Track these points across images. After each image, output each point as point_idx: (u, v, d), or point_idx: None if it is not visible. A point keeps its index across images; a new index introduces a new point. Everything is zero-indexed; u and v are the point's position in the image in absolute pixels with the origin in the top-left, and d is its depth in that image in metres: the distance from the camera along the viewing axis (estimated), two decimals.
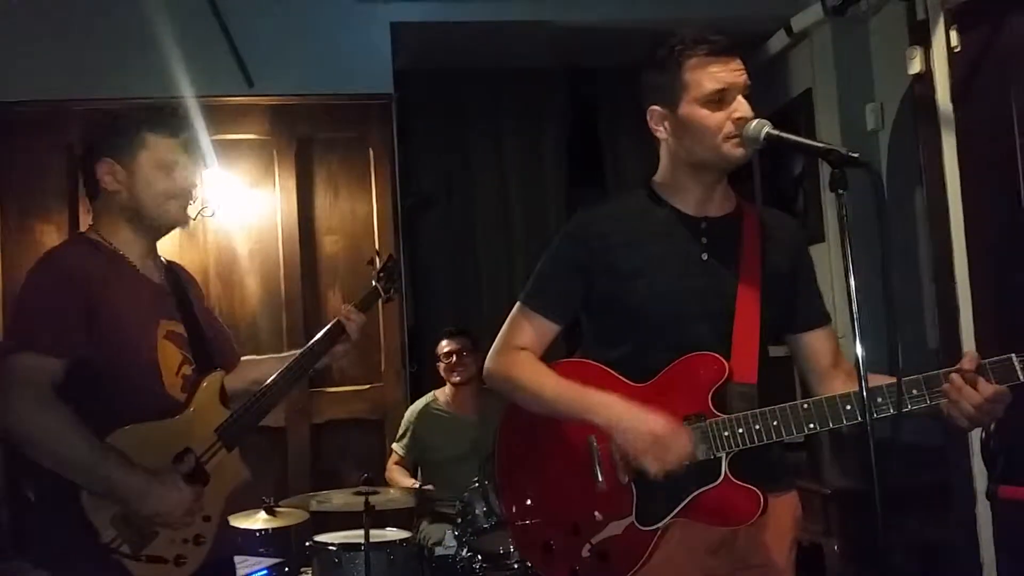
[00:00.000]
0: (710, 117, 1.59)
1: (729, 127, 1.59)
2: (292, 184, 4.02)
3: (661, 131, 1.67)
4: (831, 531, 2.98)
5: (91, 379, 1.72)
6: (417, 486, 3.44)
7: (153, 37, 3.73)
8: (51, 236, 3.63)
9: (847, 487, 3.05)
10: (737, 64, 1.61)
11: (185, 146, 1.92)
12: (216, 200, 3.88)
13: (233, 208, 3.95)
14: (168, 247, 3.70)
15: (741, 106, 1.59)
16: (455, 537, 2.89)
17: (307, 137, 4.06)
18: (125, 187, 1.85)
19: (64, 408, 1.67)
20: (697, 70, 1.60)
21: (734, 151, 1.61)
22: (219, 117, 3.89)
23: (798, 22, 4.04)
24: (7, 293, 3.59)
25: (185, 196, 1.90)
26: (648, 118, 1.68)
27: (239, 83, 3.94)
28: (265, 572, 2.94)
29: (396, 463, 3.62)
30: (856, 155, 1.44)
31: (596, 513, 1.63)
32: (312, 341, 2.06)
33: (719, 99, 1.59)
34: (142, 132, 1.86)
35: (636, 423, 1.55)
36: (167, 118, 1.92)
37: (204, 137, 3.84)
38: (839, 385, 1.67)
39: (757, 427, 1.55)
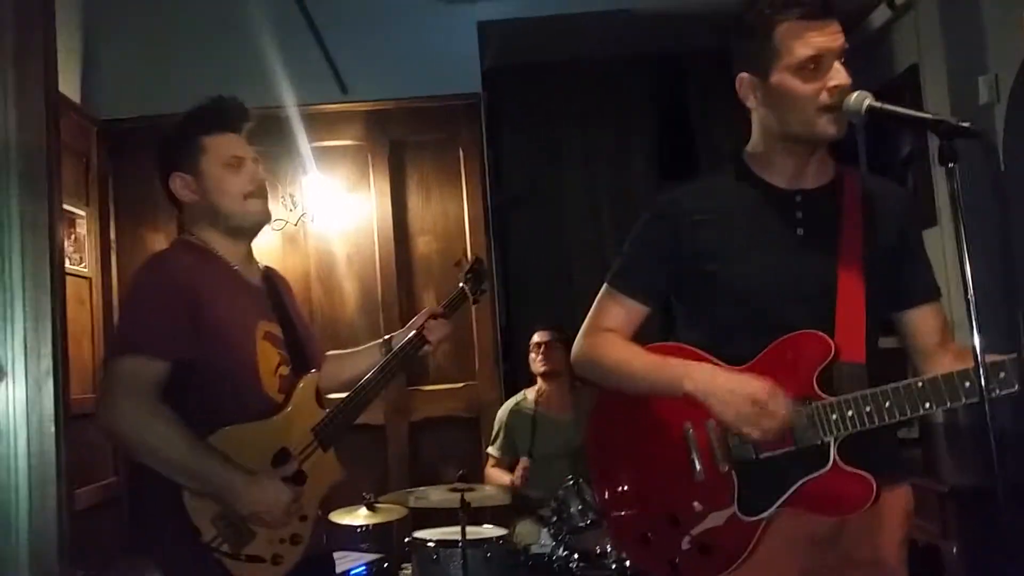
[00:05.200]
0: (804, 87, 1.50)
1: (825, 97, 1.49)
2: (386, 187, 4.09)
3: (751, 101, 1.58)
4: (949, 532, 2.80)
5: (194, 380, 1.75)
6: (515, 478, 3.41)
7: (252, 51, 3.85)
8: (160, 243, 3.81)
9: (966, 484, 2.85)
10: (833, 27, 1.50)
11: (247, 138, 1.90)
12: (315, 206, 4.01)
13: (332, 213, 4.05)
14: (271, 252, 3.91)
15: (838, 74, 1.49)
16: (551, 535, 2.86)
17: (400, 140, 4.13)
18: (200, 195, 1.86)
19: (167, 410, 1.70)
20: (789, 35, 1.50)
21: (828, 128, 1.51)
22: (316, 125, 4.00)
23: None
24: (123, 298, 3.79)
25: (262, 191, 1.89)
26: (737, 87, 1.59)
27: (334, 90, 4.04)
28: (364, 568, 2.99)
29: (493, 466, 3.62)
30: (967, 125, 1.34)
31: (695, 503, 1.56)
32: (399, 333, 2.09)
33: (814, 66, 1.49)
34: (198, 137, 1.87)
35: (732, 388, 1.48)
36: (219, 115, 1.90)
37: (304, 144, 3.97)
38: (947, 364, 1.54)
39: (868, 409, 1.46)
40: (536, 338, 3.66)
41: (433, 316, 2.09)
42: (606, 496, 1.71)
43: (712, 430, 1.55)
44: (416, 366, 3.89)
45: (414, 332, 2.07)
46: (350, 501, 2.99)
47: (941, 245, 3.56)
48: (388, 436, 3.96)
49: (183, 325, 1.73)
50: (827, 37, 1.49)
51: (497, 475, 3.56)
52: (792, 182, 1.60)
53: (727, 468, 1.54)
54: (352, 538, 3.12)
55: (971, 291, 1.30)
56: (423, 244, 4.11)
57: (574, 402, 3.58)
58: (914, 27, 3.89)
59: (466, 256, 2.29)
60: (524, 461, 3.43)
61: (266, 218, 1.92)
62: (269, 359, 1.84)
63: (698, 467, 1.56)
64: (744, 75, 1.58)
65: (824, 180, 1.62)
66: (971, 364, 1.33)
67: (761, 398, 1.46)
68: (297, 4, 3.84)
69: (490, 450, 3.64)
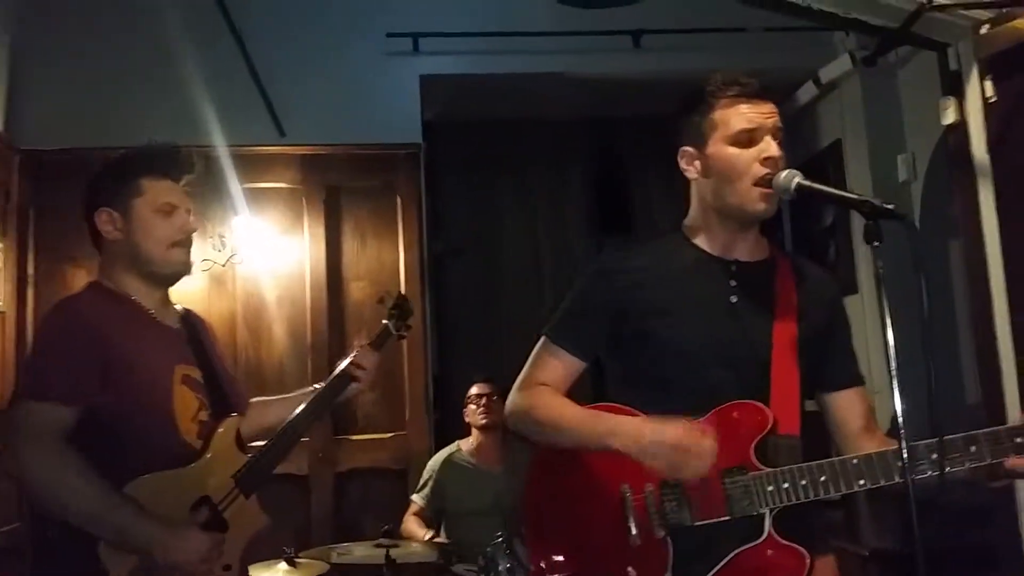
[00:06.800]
0: (738, 156, 1.58)
1: (757, 168, 1.57)
2: (321, 232, 4.05)
3: (691, 171, 1.66)
4: None
5: (104, 428, 1.69)
6: (430, 537, 3.35)
7: (186, 87, 3.80)
8: (80, 279, 3.66)
9: (886, 548, 2.94)
10: (768, 107, 1.61)
11: (185, 188, 1.89)
12: (245, 247, 3.93)
13: (262, 255, 3.98)
14: (197, 293, 3.80)
15: (770, 146, 1.58)
16: None
17: (336, 186, 4.10)
18: (124, 235, 1.82)
19: (75, 457, 1.64)
20: (727, 109, 1.60)
21: (758, 204, 1.59)
22: (250, 166, 3.95)
23: (826, 73, 4.04)
24: None
25: (187, 242, 1.87)
26: (679, 158, 1.67)
27: (271, 133, 4.01)
28: None
29: (415, 513, 3.54)
30: (891, 206, 1.41)
31: (630, 569, 1.56)
32: (323, 385, 2.04)
33: (748, 140, 1.58)
34: (137, 178, 1.83)
35: (656, 438, 1.49)
36: (164, 161, 1.88)
37: (235, 185, 3.91)
38: (870, 448, 1.59)
39: (803, 482, 1.49)
40: (475, 390, 3.62)
41: (352, 360, 2.06)
42: (539, 557, 1.69)
43: (649, 494, 1.56)
44: (343, 413, 3.81)
45: (342, 368, 2.04)
46: (270, 555, 2.88)
47: (862, 312, 3.71)
48: (312, 487, 3.84)
49: (92, 370, 1.68)
50: (761, 114, 1.59)
51: (415, 524, 3.47)
52: (727, 253, 1.67)
53: (663, 534, 1.54)
54: None
55: (893, 362, 1.35)
56: (357, 290, 4.07)
57: (506, 456, 3.55)
58: (838, 105, 4.10)
59: (389, 292, 2.25)
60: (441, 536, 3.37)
61: (186, 270, 1.89)
62: (187, 404, 1.80)
63: (634, 531, 1.56)
64: (686, 148, 1.66)
65: (759, 256, 1.69)
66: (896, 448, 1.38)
67: (685, 443, 1.48)
68: (238, 46, 3.82)
69: (415, 497, 3.56)
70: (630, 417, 1.55)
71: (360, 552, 2.88)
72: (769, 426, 1.53)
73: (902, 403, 1.35)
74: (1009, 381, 2.89)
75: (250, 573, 2.71)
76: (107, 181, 1.86)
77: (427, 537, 3.36)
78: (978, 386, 3.15)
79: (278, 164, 4.06)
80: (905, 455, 1.33)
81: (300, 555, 2.95)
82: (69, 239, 3.73)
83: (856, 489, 1.51)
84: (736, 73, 1.62)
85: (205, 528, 1.72)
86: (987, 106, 2.94)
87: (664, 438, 1.48)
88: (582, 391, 1.74)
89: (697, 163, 1.64)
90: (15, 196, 3.76)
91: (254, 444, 1.95)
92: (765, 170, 1.56)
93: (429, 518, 3.53)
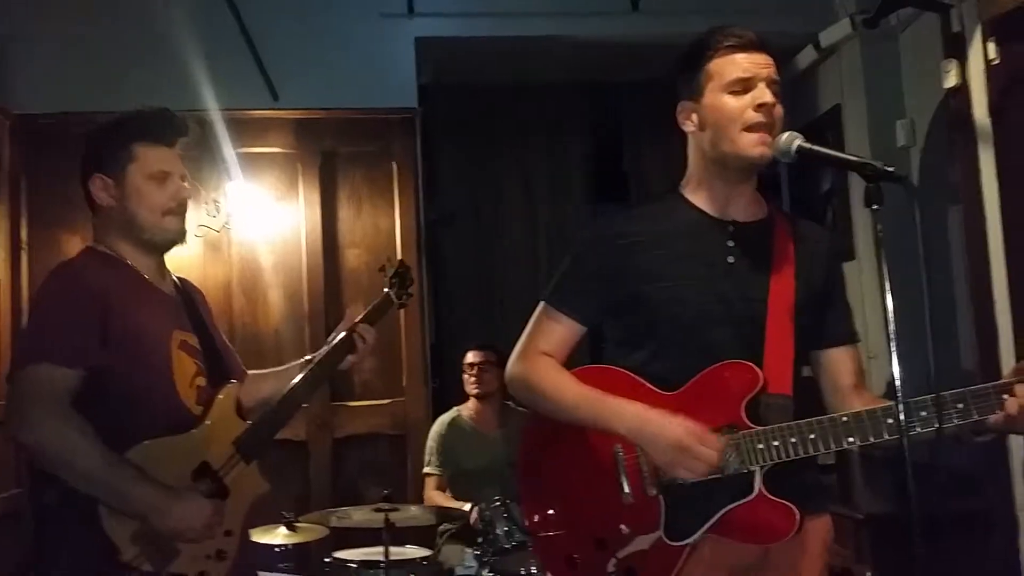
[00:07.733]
0: (732, 102, 1.58)
1: (751, 114, 1.57)
2: (316, 197, 4.02)
3: (689, 125, 1.66)
4: (864, 557, 2.90)
5: (107, 390, 1.70)
6: (472, 506, 3.23)
7: (179, 51, 3.75)
8: (75, 245, 3.63)
9: (880, 512, 2.97)
10: (764, 58, 1.60)
11: (180, 154, 1.87)
12: (240, 213, 3.91)
13: (257, 221, 3.96)
14: (193, 259, 3.78)
15: (764, 94, 1.57)
16: (475, 557, 2.84)
17: (331, 151, 4.07)
18: (118, 202, 1.81)
19: (80, 420, 1.65)
20: (721, 60, 1.60)
21: (753, 149, 1.57)
22: (244, 130, 3.91)
23: (827, 37, 3.99)
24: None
25: (181, 209, 1.85)
26: (678, 114, 1.67)
27: (265, 97, 3.96)
28: None
29: (436, 488, 3.54)
30: (892, 169, 1.41)
31: (622, 527, 1.58)
32: (324, 353, 2.02)
33: (743, 88, 1.58)
34: (130, 144, 1.81)
35: (659, 431, 1.51)
36: (159, 126, 1.85)
37: (229, 150, 3.87)
38: (859, 406, 1.60)
39: (793, 440, 1.50)
40: (470, 358, 3.65)
41: (352, 329, 2.03)
42: (534, 516, 1.71)
43: (642, 454, 1.57)
44: (341, 380, 3.82)
45: (342, 336, 2.01)
46: (269, 520, 2.91)
47: (859, 279, 3.71)
48: (311, 453, 3.86)
49: (93, 333, 1.69)
50: (756, 64, 1.59)
51: (442, 499, 3.46)
52: (724, 212, 1.66)
53: (655, 492, 1.56)
54: (271, 558, 3.02)
55: (892, 327, 1.36)
56: (353, 257, 4.05)
57: (504, 420, 3.59)
58: (838, 69, 4.06)
59: (390, 260, 2.25)
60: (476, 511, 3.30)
61: (181, 238, 1.88)
62: (185, 369, 1.80)
63: (626, 490, 1.58)
64: (684, 102, 1.66)
65: (757, 216, 1.69)
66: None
67: (687, 444, 1.49)
68: (231, 9, 3.76)
69: (428, 469, 3.57)
70: (634, 403, 1.56)
71: (359, 516, 2.91)
72: (760, 385, 1.53)
73: (899, 368, 1.35)
74: (1005, 347, 2.90)
75: (250, 537, 2.75)
76: (101, 146, 1.84)
77: (467, 507, 3.24)
78: (975, 352, 3.16)
79: (272, 129, 4.02)
80: (902, 414, 1.34)
81: (299, 519, 2.98)
82: (63, 205, 3.69)
83: (845, 446, 1.51)
84: (732, 26, 1.61)
85: (206, 494, 1.72)
86: (990, 69, 2.91)
87: (669, 434, 1.50)
88: (579, 351, 1.74)
89: (694, 116, 1.64)
90: (7, 161, 3.73)
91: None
92: (758, 116, 1.56)
93: (447, 485, 3.53)
